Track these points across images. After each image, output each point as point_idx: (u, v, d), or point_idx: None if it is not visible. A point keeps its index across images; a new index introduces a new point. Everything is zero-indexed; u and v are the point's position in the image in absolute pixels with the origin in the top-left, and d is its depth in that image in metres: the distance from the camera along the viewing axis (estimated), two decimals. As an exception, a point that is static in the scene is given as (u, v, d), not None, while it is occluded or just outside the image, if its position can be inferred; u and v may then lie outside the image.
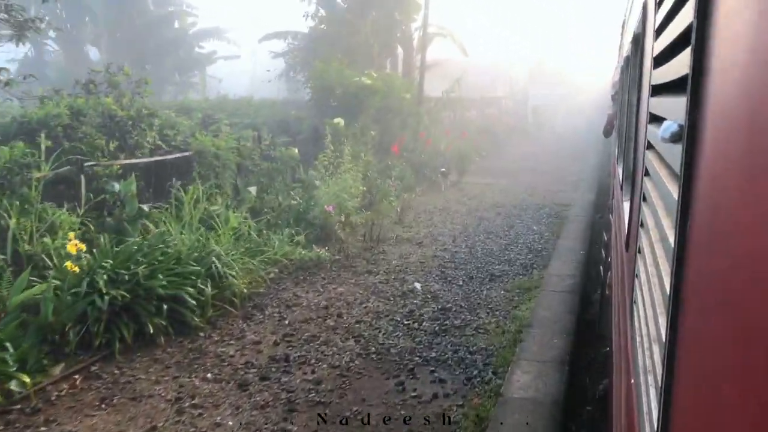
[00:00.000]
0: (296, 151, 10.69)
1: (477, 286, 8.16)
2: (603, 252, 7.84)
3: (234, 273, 7.17)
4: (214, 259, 7.16)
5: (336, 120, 12.64)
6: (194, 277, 6.58)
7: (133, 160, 8.46)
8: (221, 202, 9.32)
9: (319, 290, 7.90)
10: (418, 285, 8.03)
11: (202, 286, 6.58)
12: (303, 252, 8.65)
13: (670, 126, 1.43)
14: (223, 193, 9.65)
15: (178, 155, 8.88)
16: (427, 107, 20.13)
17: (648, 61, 2.48)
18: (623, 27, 7.22)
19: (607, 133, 14.53)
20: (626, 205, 3.64)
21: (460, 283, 8.29)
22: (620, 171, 5.10)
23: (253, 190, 10.04)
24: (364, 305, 7.36)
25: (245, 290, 7.33)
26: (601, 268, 7.58)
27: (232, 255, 7.47)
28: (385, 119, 16.37)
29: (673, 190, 1.45)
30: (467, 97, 31.62)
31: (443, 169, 14.74)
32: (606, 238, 7.53)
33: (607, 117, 14.61)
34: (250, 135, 11.59)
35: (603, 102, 37.27)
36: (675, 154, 1.40)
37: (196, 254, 7.11)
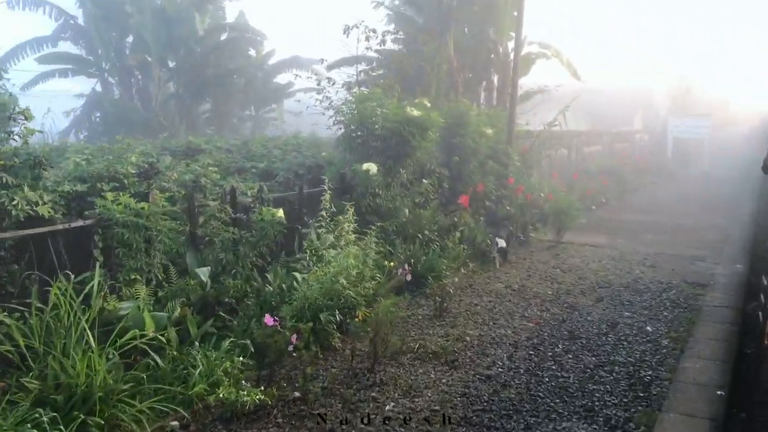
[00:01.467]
0: (281, 213, 7.52)
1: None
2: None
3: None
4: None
5: (365, 166, 9.38)
6: None
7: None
8: (142, 294, 6.30)
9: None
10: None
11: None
12: (230, 391, 5.38)
13: None
14: (150, 279, 6.64)
15: (60, 227, 5.97)
16: (522, 145, 16.39)
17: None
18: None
19: (766, 168, 10.25)
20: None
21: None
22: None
23: (204, 272, 6.96)
24: None
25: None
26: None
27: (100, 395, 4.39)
28: (454, 162, 12.90)
29: None
30: (589, 131, 27.33)
31: (500, 242, 10.95)
32: None
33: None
34: (244, 186, 8.60)
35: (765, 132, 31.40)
36: None
37: None
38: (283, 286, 7.24)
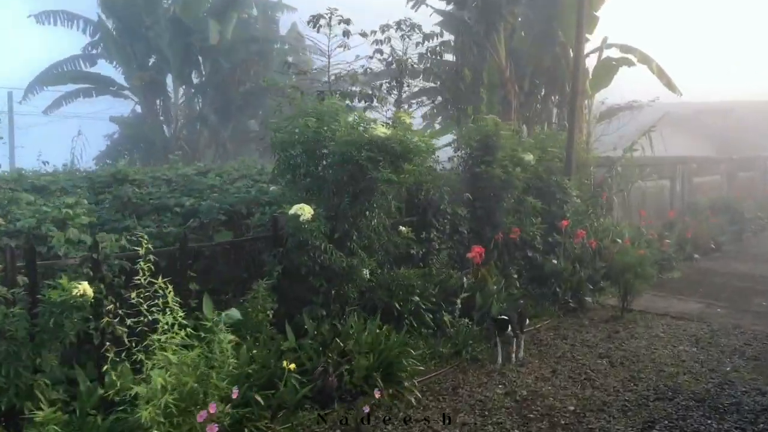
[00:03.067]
0: (87, 288, 4.82)
1: None
2: None
3: None
4: None
5: (294, 209, 6.54)
6: None
7: None
8: None
9: None
10: None
11: None
12: None
13: None
14: None
15: None
16: (599, 175, 12.97)
17: None
18: None
19: None
20: None
21: None
22: None
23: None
24: None
25: None
26: None
27: None
28: (479, 199, 9.82)
29: None
30: (702, 157, 22.95)
31: (504, 323, 7.42)
32: None
33: None
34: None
35: None
36: None
37: None
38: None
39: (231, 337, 6.07)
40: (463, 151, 10.29)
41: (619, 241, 12.34)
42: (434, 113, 16.61)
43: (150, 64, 19.35)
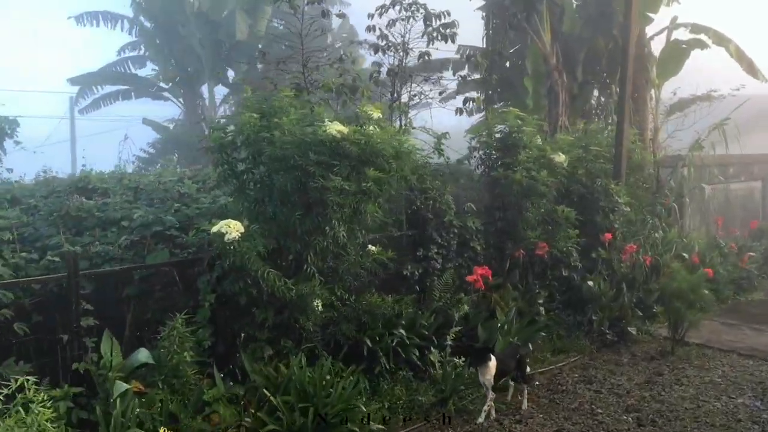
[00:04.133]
0: None
1: None
2: None
3: None
4: None
5: (219, 226, 5.35)
6: None
7: None
8: None
9: None
10: None
11: None
12: None
13: None
14: None
15: None
16: (644, 176, 11.16)
17: None
18: None
19: None
20: None
21: None
22: None
23: None
24: None
25: None
26: None
27: None
28: (499, 208, 8.38)
29: None
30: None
31: (484, 373, 5.80)
32: None
33: None
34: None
35: None
36: None
37: None
38: None
39: (125, 386, 5.00)
40: (481, 152, 8.82)
41: (686, 256, 10.52)
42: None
43: (184, 63, 18.70)
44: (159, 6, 17.78)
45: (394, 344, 6.54)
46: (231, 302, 5.89)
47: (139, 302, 6.24)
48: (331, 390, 5.46)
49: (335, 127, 5.73)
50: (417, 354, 6.70)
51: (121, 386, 5.01)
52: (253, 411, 5.23)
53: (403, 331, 6.66)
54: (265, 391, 5.28)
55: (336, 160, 5.76)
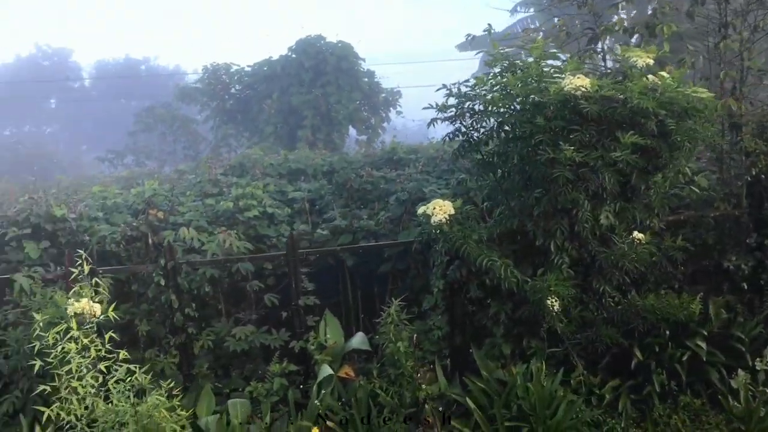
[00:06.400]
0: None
1: None
2: None
3: None
4: None
5: (428, 206, 4.79)
6: None
7: None
8: None
9: None
10: None
11: None
12: None
13: None
14: None
15: None
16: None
17: None
18: None
19: None
20: None
21: None
22: None
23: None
24: None
25: None
26: None
27: None
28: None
29: None
30: None
31: None
32: None
33: None
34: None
35: None
36: None
37: None
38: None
39: (329, 370, 4.88)
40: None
41: None
42: None
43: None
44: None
45: (684, 359, 5.10)
46: (462, 291, 5.29)
47: (393, 279, 6.11)
48: (559, 408, 4.50)
49: (576, 82, 4.59)
50: (718, 375, 5.12)
51: (326, 370, 4.89)
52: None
53: (703, 344, 5.14)
54: (469, 398, 4.60)
55: (575, 123, 4.63)
